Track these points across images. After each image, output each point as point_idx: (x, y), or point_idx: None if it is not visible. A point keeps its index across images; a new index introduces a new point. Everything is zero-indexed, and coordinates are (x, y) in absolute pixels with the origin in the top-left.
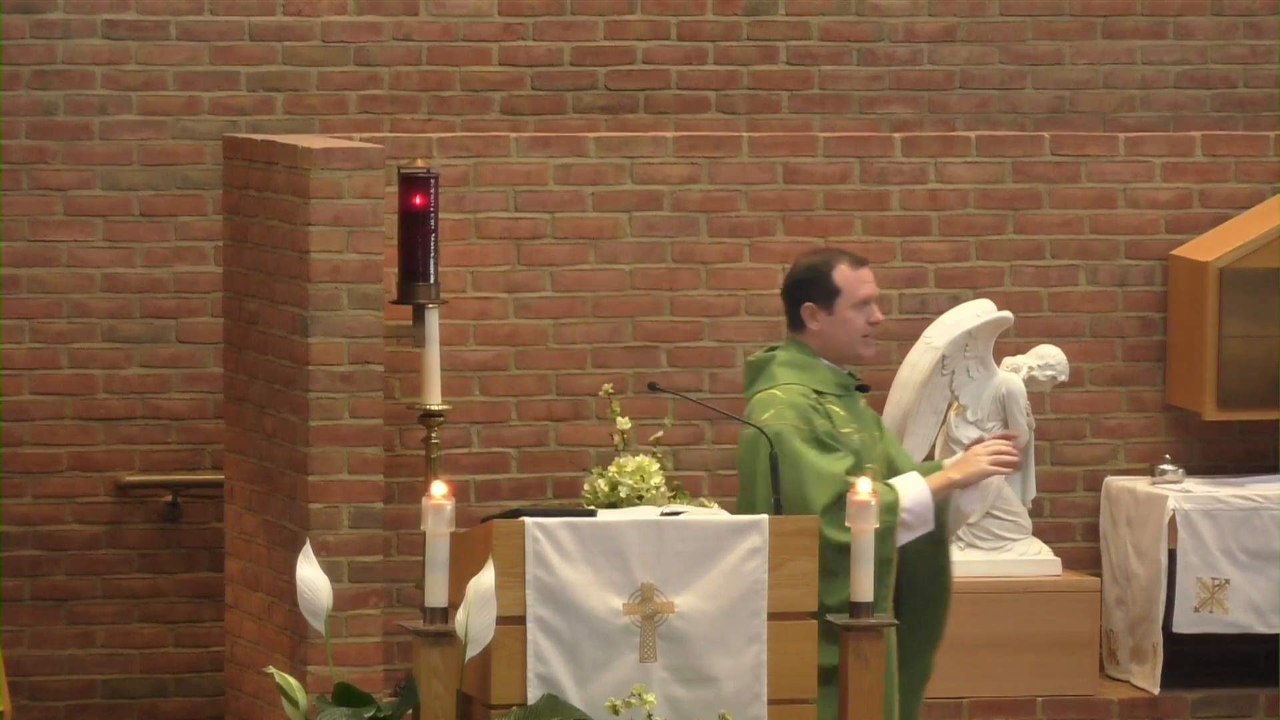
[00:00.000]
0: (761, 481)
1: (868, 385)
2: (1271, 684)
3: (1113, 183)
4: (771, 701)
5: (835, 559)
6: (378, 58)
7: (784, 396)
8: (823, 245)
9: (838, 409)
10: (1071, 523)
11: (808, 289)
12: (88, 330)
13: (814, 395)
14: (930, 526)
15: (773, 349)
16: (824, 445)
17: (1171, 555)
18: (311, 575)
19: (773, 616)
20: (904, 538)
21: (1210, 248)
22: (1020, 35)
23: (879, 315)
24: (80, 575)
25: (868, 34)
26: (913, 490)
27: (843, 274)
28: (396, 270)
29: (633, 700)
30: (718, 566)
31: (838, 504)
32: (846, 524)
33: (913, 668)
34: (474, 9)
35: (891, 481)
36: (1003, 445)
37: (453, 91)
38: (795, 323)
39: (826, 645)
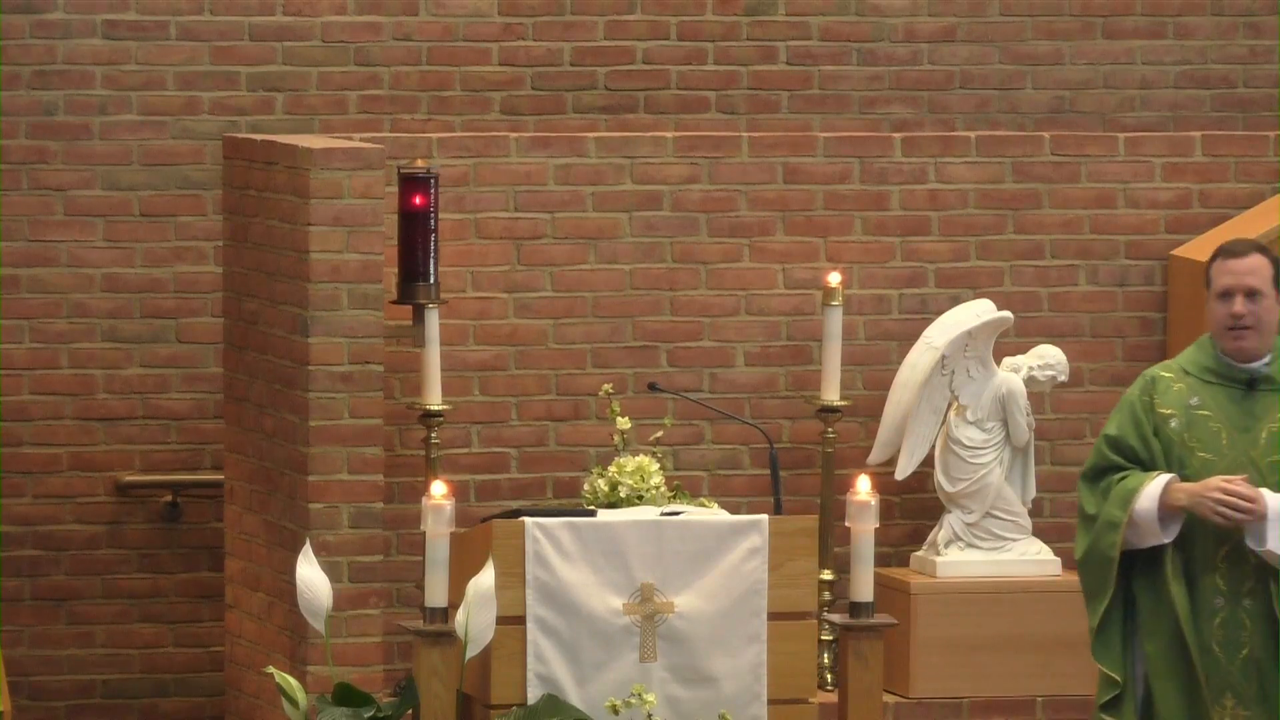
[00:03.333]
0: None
1: (1257, 379)
2: None
3: (1113, 183)
4: (771, 701)
5: (1080, 524)
6: (378, 58)
7: (1151, 369)
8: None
9: (1185, 389)
10: (1071, 523)
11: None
12: (88, 330)
13: (1177, 372)
14: (1159, 538)
15: None
16: (1124, 412)
17: None
18: (311, 575)
19: (772, 616)
20: (1129, 538)
21: (1210, 248)
22: (1020, 35)
23: (1238, 307)
24: (80, 575)
25: (868, 34)
26: (1149, 495)
27: (1215, 264)
28: (396, 270)
29: (633, 700)
30: (718, 566)
31: (1092, 470)
32: (1087, 488)
33: None
34: (474, 9)
35: (1151, 478)
36: (1236, 500)
37: (453, 91)
38: None
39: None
